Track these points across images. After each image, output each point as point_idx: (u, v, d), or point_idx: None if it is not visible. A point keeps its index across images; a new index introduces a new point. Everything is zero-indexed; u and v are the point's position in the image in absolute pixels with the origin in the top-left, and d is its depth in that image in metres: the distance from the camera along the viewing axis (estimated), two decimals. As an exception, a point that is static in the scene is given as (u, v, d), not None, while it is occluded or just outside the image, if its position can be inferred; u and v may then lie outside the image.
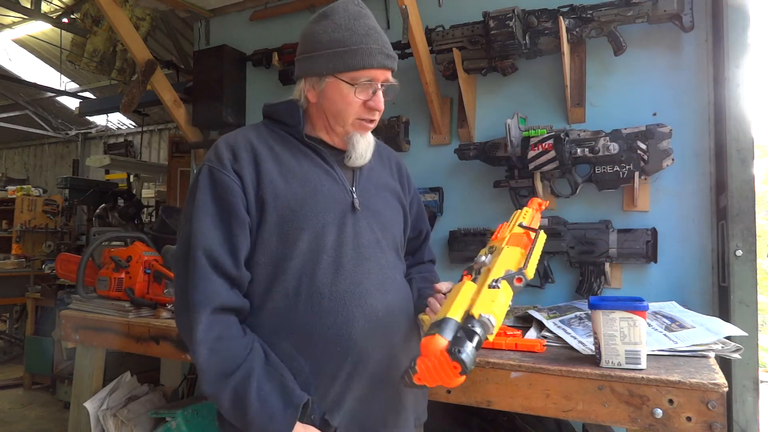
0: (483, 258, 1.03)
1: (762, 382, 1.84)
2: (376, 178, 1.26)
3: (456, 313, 0.86)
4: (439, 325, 0.83)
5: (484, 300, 0.88)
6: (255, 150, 1.14)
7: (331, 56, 1.11)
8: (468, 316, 0.85)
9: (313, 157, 1.18)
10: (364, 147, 1.19)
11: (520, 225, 1.14)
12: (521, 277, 0.95)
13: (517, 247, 1.05)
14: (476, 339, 0.81)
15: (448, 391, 1.40)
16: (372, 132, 1.24)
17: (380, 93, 1.15)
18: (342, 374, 1.09)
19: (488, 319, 0.84)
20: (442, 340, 0.80)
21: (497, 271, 0.97)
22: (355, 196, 1.17)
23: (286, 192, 1.11)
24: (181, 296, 1.08)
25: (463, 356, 0.78)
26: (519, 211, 1.25)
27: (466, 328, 0.83)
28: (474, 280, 0.99)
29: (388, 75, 1.16)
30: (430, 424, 1.36)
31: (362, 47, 1.10)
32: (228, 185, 1.09)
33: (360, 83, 1.12)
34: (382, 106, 1.16)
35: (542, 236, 1.09)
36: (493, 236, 1.15)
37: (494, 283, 0.92)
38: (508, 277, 0.95)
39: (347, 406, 1.10)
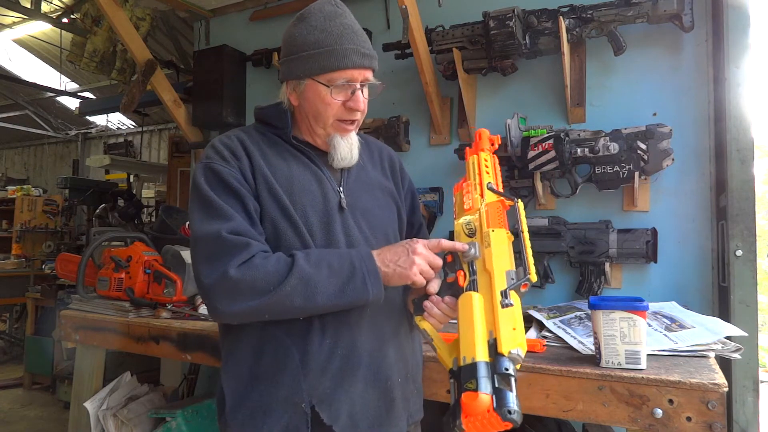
0: (472, 250, 1.00)
1: (762, 382, 1.84)
2: (366, 177, 1.26)
3: (483, 352, 0.82)
4: (473, 375, 0.79)
5: (505, 328, 0.84)
6: (248, 150, 1.16)
7: (307, 59, 1.12)
8: (497, 355, 0.82)
9: (300, 158, 1.20)
10: (345, 149, 1.19)
11: (489, 188, 1.09)
12: (527, 282, 0.92)
13: (502, 230, 1.02)
14: (513, 382, 0.79)
15: (449, 391, 1.40)
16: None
17: (359, 93, 1.14)
18: (331, 368, 1.09)
19: (518, 354, 0.82)
20: (486, 398, 0.76)
21: (499, 276, 0.93)
22: (342, 195, 1.19)
23: (276, 192, 1.13)
24: (205, 267, 1.05)
25: (515, 416, 0.75)
26: (474, 155, 1.17)
27: (501, 374, 0.79)
28: (471, 285, 0.95)
29: (368, 74, 1.15)
30: (429, 423, 1.36)
31: (336, 48, 1.10)
32: (228, 171, 1.11)
33: (336, 84, 1.12)
34: (362, 106, 1.15)
35: (522, 208, 1.05)
36: (466, 205, 1.09)
37: (506, 300, 0.88)
38: (515, 287, 0.91)
39: (339, 403, 1.10)
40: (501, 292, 0.90)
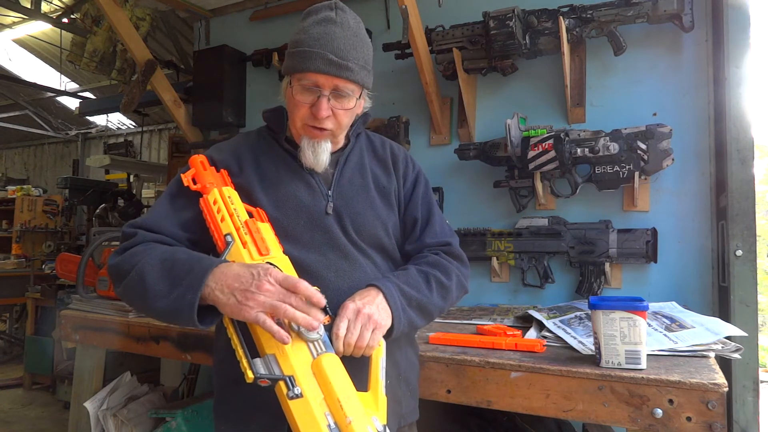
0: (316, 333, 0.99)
1: (762, 382, 1.85)
2: (361, 179, 1.24)
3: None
4: None
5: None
6: (240, 159, 1.20)
7: (289, 56, 1.15)
8: None
9: (291, 163, 1.20)
10: (309, 154, 1.16)
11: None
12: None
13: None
14: None
15: (449, 391, 1.41)
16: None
17: (323, 100, 1.11)
18: None
19: None
20: None
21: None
22: (330, 200, 1.18)
23: (261, 199, 1.15)
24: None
25: None
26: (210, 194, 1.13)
27: None
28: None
29: (338, 83, 1.11)
30: (429, 424, 1.36)
31: (306, 50, 1.10)
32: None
33: (300, 85, 1.12)
34: (323, 113, 1.11)
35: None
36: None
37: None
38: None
39: None
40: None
